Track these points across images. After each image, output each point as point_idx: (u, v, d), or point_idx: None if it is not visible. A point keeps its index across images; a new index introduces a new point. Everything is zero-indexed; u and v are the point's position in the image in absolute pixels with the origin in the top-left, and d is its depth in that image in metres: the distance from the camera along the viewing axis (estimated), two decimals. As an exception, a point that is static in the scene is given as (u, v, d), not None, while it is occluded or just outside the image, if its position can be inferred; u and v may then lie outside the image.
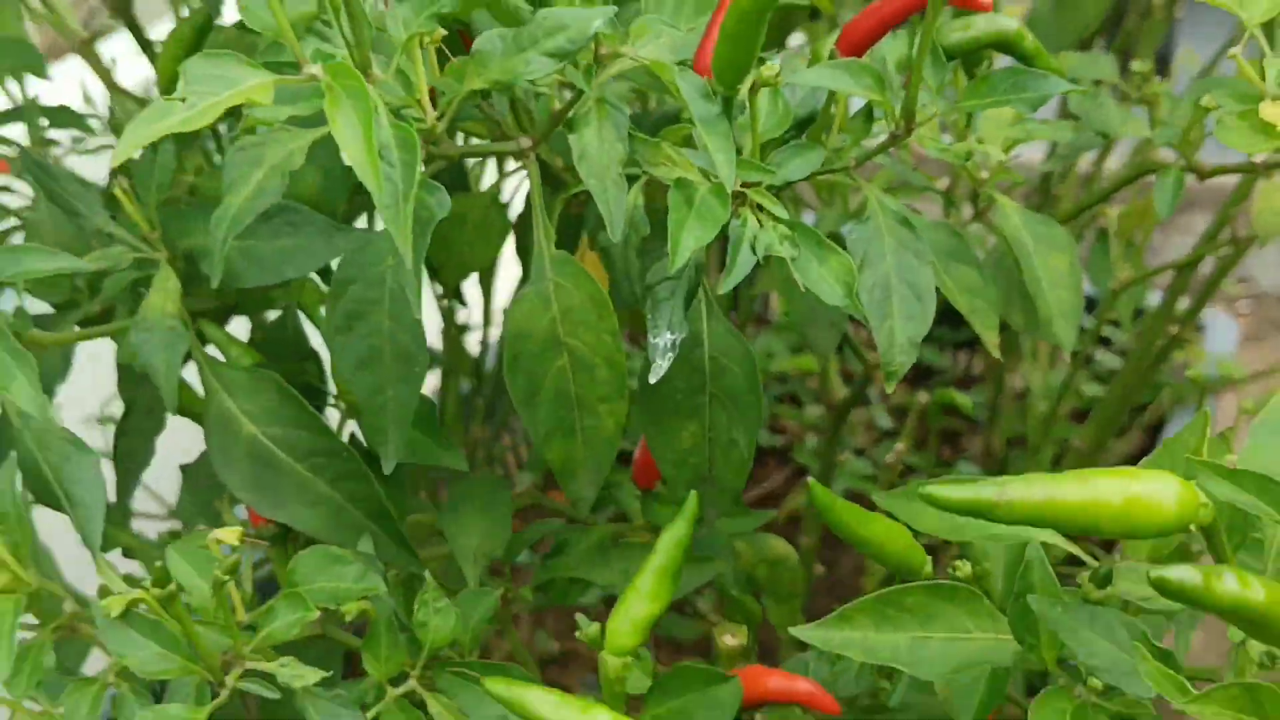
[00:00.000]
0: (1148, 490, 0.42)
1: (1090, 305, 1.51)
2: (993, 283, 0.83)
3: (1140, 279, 1.01)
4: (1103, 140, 0.79)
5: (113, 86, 0.96)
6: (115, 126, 0.87)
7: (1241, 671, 0.49)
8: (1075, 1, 1.19)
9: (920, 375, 1.84)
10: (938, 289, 0.71)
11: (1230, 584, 0.41)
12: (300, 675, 0.57)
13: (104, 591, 0.61)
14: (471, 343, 1.24)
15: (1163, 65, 1.69)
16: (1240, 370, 1.69)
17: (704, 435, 0.68)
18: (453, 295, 0.93)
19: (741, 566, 0.81)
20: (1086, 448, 1.11)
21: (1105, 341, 1.73)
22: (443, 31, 0.56)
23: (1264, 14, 0.62)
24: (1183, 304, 1.14)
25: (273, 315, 0.81)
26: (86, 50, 0.98)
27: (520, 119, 0.69)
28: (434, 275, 0.85)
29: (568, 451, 0.66)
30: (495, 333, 1.17)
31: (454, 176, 0.85)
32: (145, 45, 0.91)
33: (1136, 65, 0.83)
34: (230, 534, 0.56)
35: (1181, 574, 0.40)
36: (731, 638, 0.74)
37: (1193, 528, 0.44)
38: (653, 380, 0.62)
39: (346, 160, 0.49)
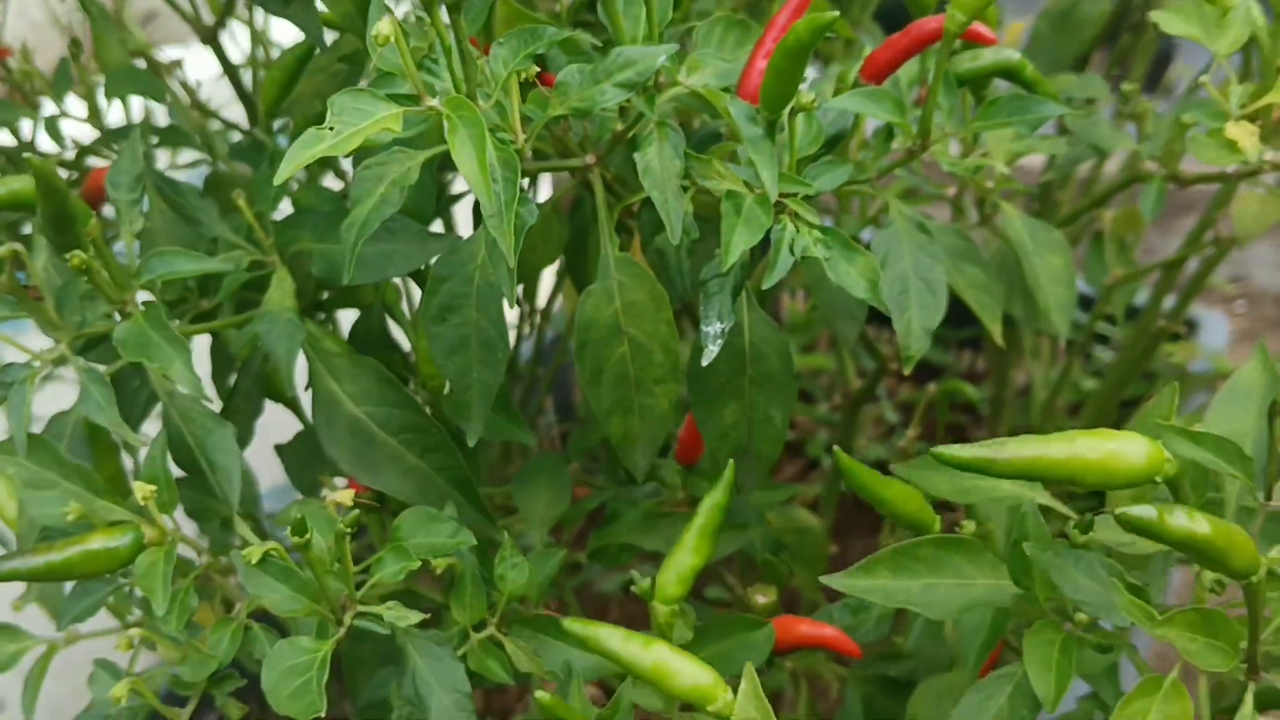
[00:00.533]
0: (1121, 447, 0.52)
1: (1087, 304, 1.60)
2: (998, 280, 0.93)
3: (1132, 277, 1.10)
4: (1096, 153, 0.89)
5: (197, 106, 1.06)
6: (206, 146, 0.97)
7: (1199, 599, 0.58)
8: (1073, 22, 1.29)
9: (927, 372, 1.93)
10: (948, 285, 0.81)
11: (1180, 519, 0.50)
12: (404, 616, 0.67)
13: (222, 551, 0.71)
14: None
15: (1159, 75, 1.78)
16: (1232, 366, 1.78)
17: (744, 413, 0.78)
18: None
19: (772, 534, 0.91)
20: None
21: (1103, 339, 1.82)
22: (536, 69, 0.66)
23: (1230, 46, 0.72)
24: (1178, 303, 1.23)
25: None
26: (168, 72, 1.08)
27: (584, 140, 0.79)
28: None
29: (626, 426, 0.76)
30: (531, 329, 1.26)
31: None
32: (229, 69, 1.01)
33: (1125, 86, 0.92)
34: (346, 495, 0.66)
35: (1140, 511, 0.50)
36: (763, 596, 0.84)
37: (1159, 480, 0.53)
38: (705, 363, 0.72)
39: (465, 177, 0.59)
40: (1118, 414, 1.61)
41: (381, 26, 0.57)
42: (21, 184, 0.66)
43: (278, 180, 0.55)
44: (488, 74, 0.65)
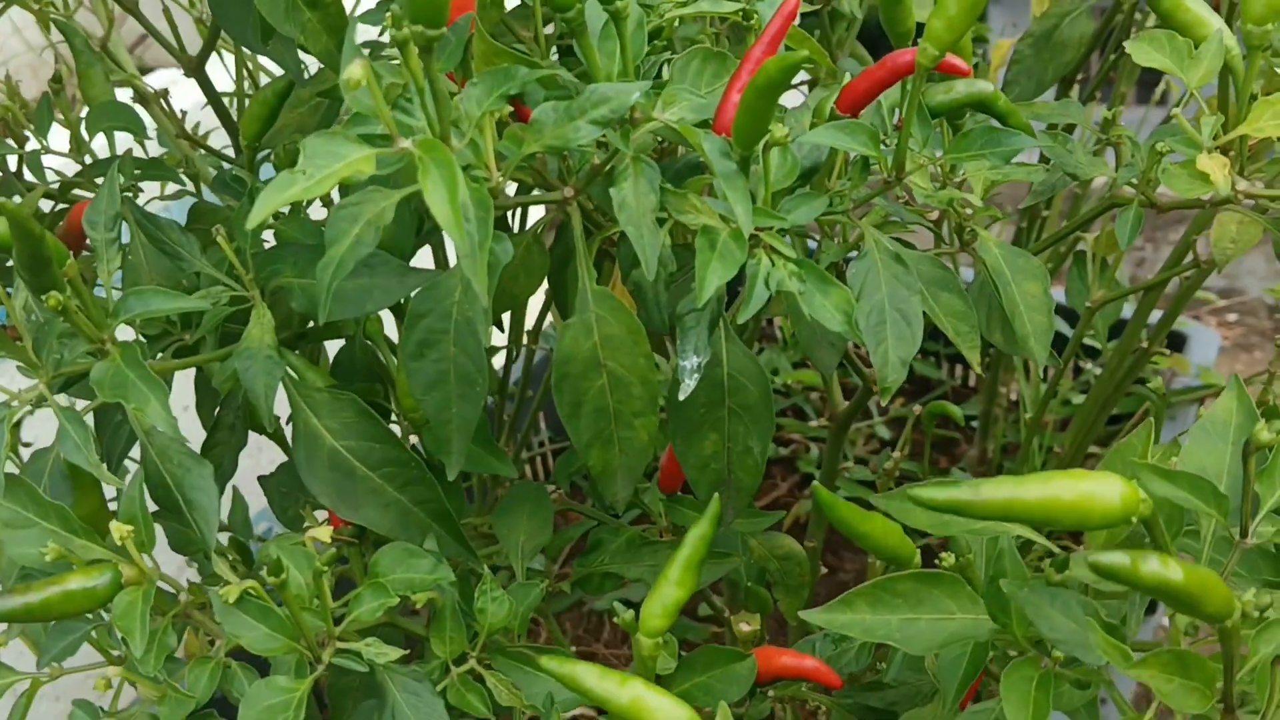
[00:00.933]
0: (1096, 489, 0.52)
1: (1074, 319, 1.61)
2: (978, 307, 0.94)
3: (1113, 298, 1.11)
4: (1073, 180, 0.89)
5: (183, 135, 1.06)
6: (192, 176, 0.97)
7: (1174, 640, 0.59)
8: (1055, 44, 1.30)
9: (917, 388, 1.94)
10: (926, 314, 0.81)
11: (1153, 566, 0.51)
12: (383, 653, 0.67)
13: (212, 581, 0.71)
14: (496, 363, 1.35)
15: (1154, 84, 1.78)
16: (1221, 379, 1.79)
17: (724, 444, 0.78)
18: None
19: (755, 561, 0.91)
20: (1066, 454, 1.21)
21: (1094, 354, 1.83)
22: (509, 108, 0.66)
23: (1202, 79, 0.72)
24: (1159, 326, 1.23)
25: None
26: (155, 102, 1.09)
27: (562, 171, 0.79)
28: (481, 304, 0.95)
29: (606, 459, 0.76)
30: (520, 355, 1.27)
31: (497, 218, 0.95)
32: (215, 100, 1.01)
33: (1104, 112, 0.93)
34: (323, 532, 0.66)
35: (1113, 559, 0.50)
36: (746, 625, 0.84)
37: (1134, 520, 0.53)
38: (682, 398, 0.72)
39: (436, 219, 0.59)
40: (1104, 431, 1.62)
41: (352, 71, 0.58)
42: (-4, 227, 0.66)
43: (249, 225, 0.55)
44: (462, 112, 0.65)
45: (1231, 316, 2.74)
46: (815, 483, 0.68)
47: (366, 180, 0.64)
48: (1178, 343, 1.88)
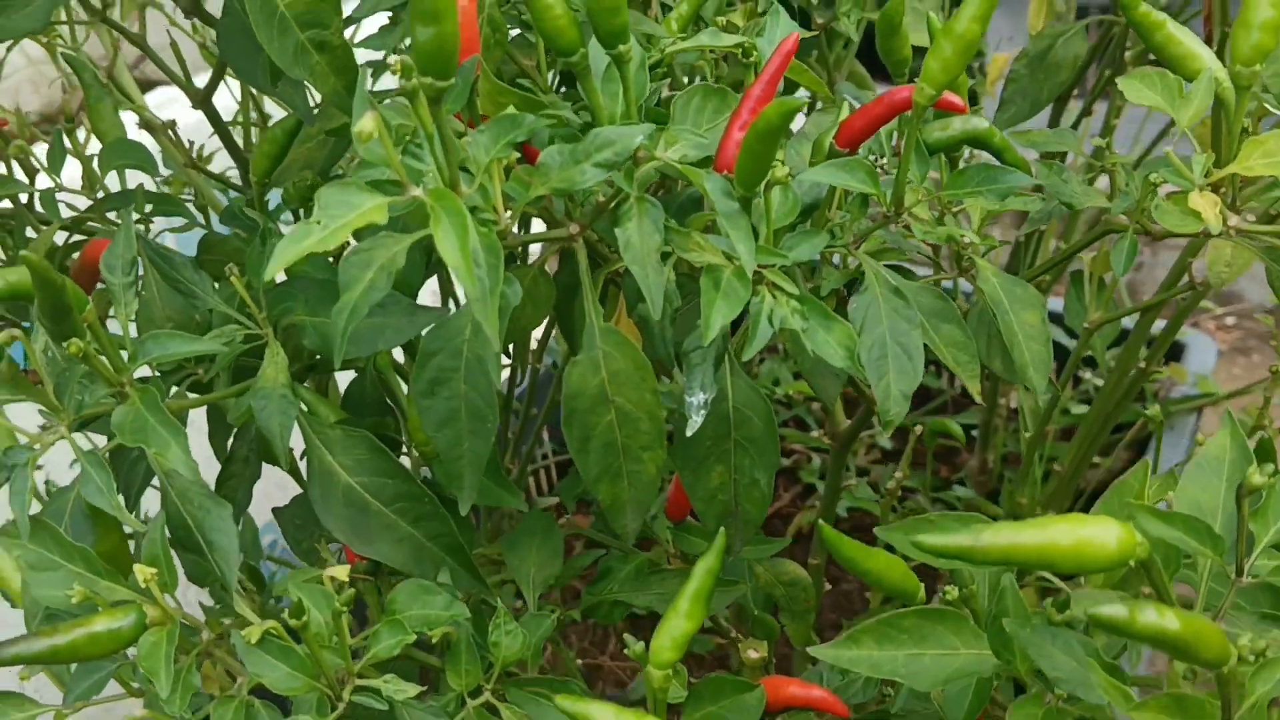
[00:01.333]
0: (1093, 533, 0.54)
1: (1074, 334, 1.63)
2: (978, 334, 0.95)
3: (1110, 319, 1.12)
4: (1068, 209, 0.91)
5: (191, 164, 1.08)
6: (200, 207, 0.99)
7: (1174, 683, 0.60)
8: (1050, 64, 1.31)
9: (918, 397, 1.95)
10: (926, 345, 0.83)
11: (1149, 616, 0.52)
12: (402, 689, 0.68)
13: (227, 612, 0.73)
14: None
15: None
16: (1218, 388, 1.80)
17: (730, 476, 0.80)
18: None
19: (761, 587, 0.93)
20: (1067, 471, 1.22)
21: (1092, 364, 1.84)
22: (516, 155, 0.68)
23: (1193, 117, 0.74)
24: (1155, 347, 1.25)
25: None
26: (163, 131, 1.10)
27: (569, 208, 0.81)
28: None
29: (615, 492, 0.77)
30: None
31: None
32: (224, 133, 1.02)
33: (1096, 140, 0.94)
34: (341, 571, 0.68)
35: (1111, 611, 0.51)
36: (754, 652, 0.86)
37: (1132, 563, 0.55)
38: (689, 434, 0.73)
39: (449, 265, 0.61)
40: (1107, 439, 1.63)
41: (364, 124, 0.59)
42: (18, 276, 0.68)
43: (266, 277, 0.57)
44: (470, 157, 0.66)
45: (1230, 320, 2.76)
46: (820, 522, 0.70)
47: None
48: (1175, 351, 1.90)
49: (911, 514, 1.66)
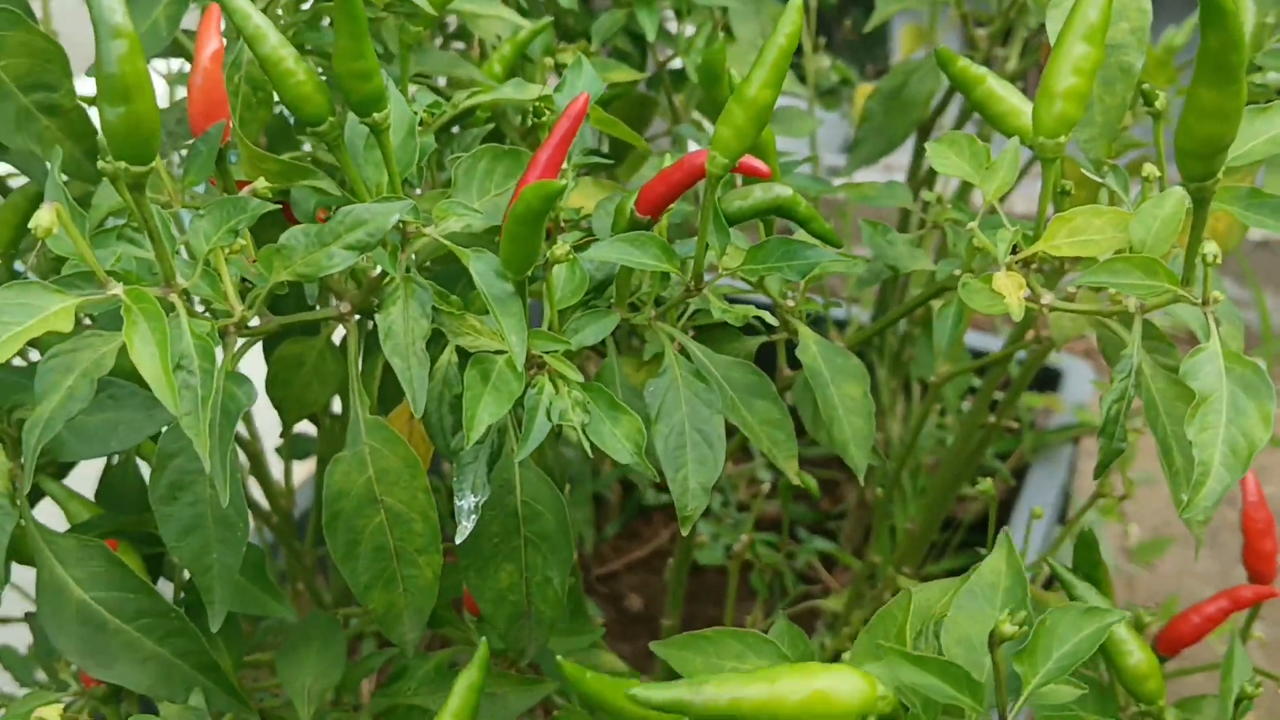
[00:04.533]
0: (829, 685, 0.48)
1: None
2: (804, 404, 0.90)
3: (957, 373, 1.08)
4: (893, 272, 0.86)
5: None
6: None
7: None
8: (903, 101, 1.27)
9: (800, 425, 1.91)
10: (737, 427, 0.77)
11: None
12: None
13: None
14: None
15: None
16: (1095, 416, 1.79)
17: (521, 575, 0.73)
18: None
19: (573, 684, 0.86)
20: (919, 528, 1.18)
21: (971, 391, 1.81)
22: (242, 242, 0.60)
23: (998, 190, 0.69)
24: (1006, 400, 1.21)
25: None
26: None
27: (345, 282, 0.73)
28: (278, 411, 0.89)
29: (390, 600, 0.70)
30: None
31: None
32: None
33: (926, 195, 0.90)
34: (52, 712, 0.59)
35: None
36: (563, 753, 0.79)
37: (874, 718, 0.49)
38: (459, 541, 0.67)
39: (146, 379, 0.53)
40: (973, 477, 1.60)
41: (40, 218, 0.51)
42: None
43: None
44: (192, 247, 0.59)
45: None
46: (559, 659, 0.62)
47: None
48: (1052, 380, 1.88)
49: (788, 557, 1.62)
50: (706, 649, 0.64)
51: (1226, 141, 0.54)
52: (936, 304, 1.18)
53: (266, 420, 1.14)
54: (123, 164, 0.54)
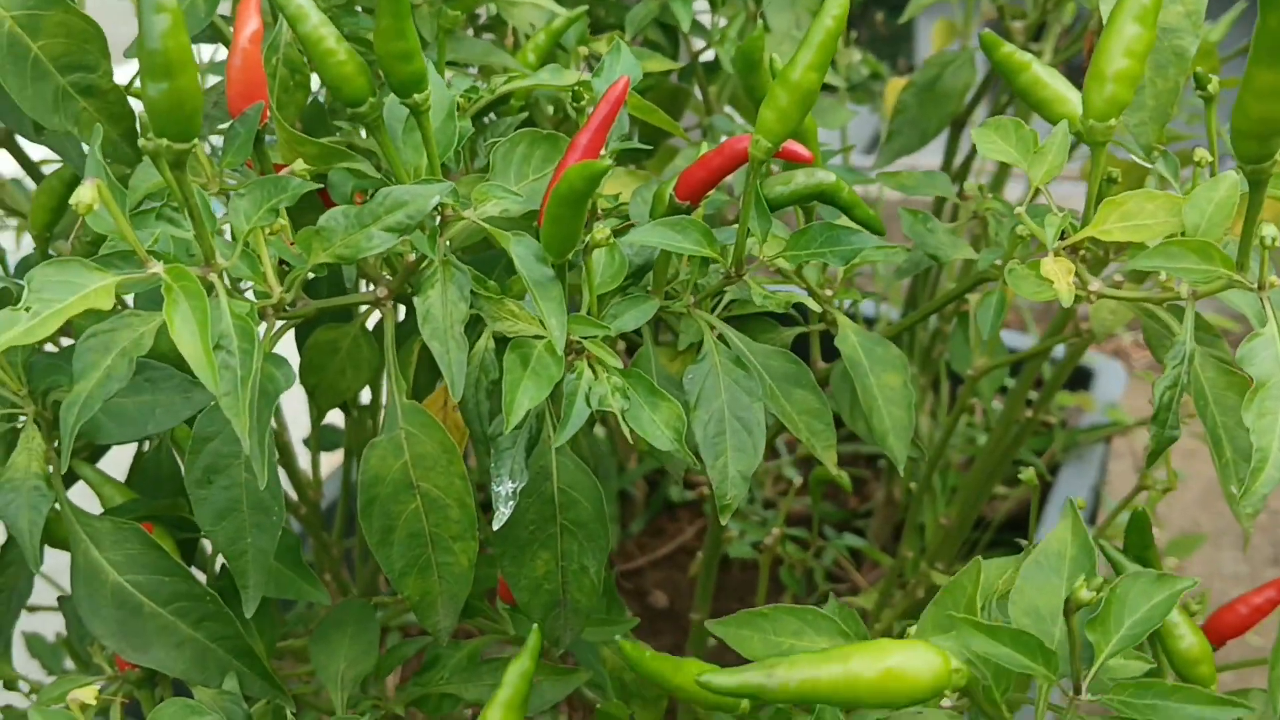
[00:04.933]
0: (903, 662, 0.47)
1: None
2: (841, 394, 0.89)
3: (994, 367, 1.07)
4: (934, 261, 0.85)
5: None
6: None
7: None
8: (938, 94, 1.26)
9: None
10: (776, 415, 0.76)
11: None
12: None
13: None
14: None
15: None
16: (1127, 417, 1.77)
17: (556, 563, 0.72)
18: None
19: (610, 672, 0.85)
20: (953, 524, 1.17)
21: (1003, 390, 1.79)
22: (283, 222, 0.60)
23: (1047, 174, 0.68)
24: (1043, 395, 1.20)
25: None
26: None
27: (381, 267, 0.73)
28: (311, 398, 0.88)
29: (424, 587, 0.70)
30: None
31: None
32: (31, 169, 0.93)
33: (968, 186, 0.88)
34: (88, 693, 0.59)
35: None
36: (592, 745, 0.79)
37: (950, 692, 0.48)
38: (496, 527, 0.66)
39: (186, 358, 0.53)
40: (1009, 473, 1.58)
41: (81, 194, 0.51)
42: None
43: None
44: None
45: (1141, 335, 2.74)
46: (620, 639, 0.62)
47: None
48: (1084, 379, 1.86)
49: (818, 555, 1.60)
50: (764, 626, 0.64)
51: (1287, 122, 0.53)
52: (973, 298, 1.17)
53: (293, 410, 1.13)
54: (164, 141, 0.53)
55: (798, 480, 1.48)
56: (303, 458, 1.26)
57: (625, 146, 0.80)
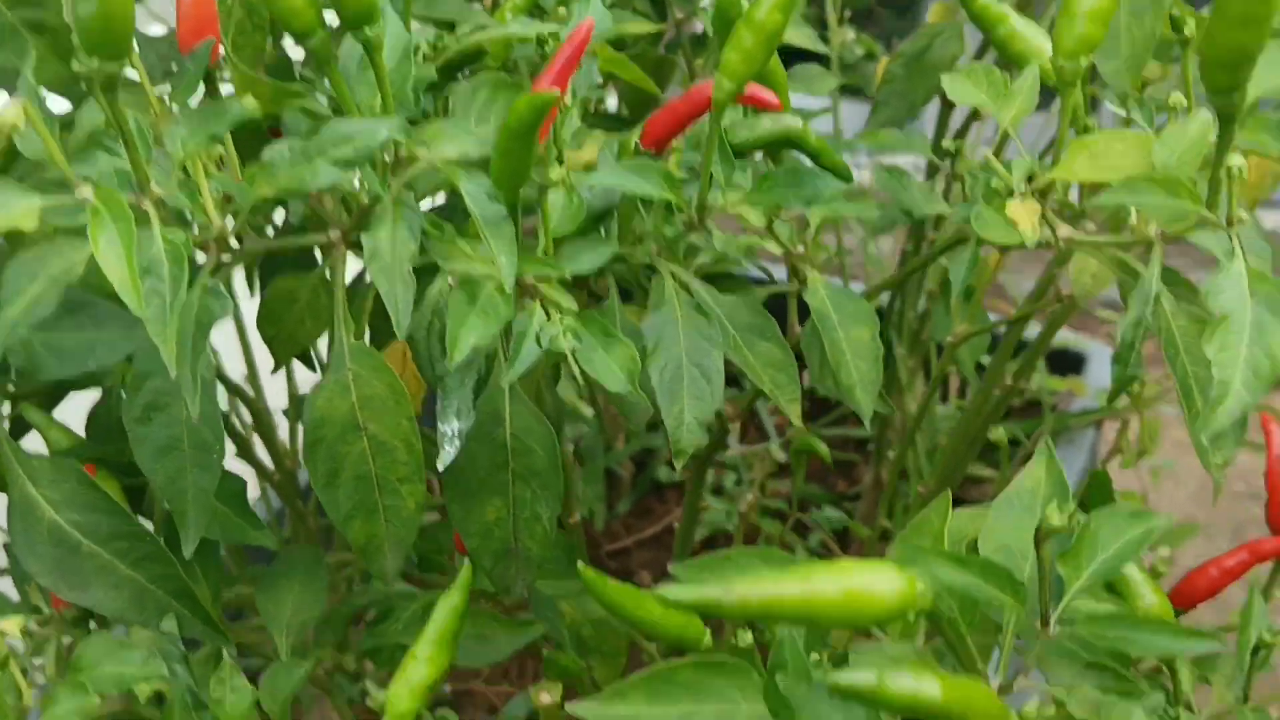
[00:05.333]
0: (866, 582, 0.45)
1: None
2: (812, 350, 0.87)
3: (974, 333, 1.05)
4: (908, 218, 0.83)
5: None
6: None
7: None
8: (927, 65, 1.24)
9: (817, 406, 1.88)
10: (739, 366, 0.75)
11: (904, 682, 0.44)
12: (94, 761, 0.59)
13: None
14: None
15: (1048, 98, 1.74)
16: (1119, 401, 1.74)
17: (508, 510, 0.71)
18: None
19: (568, 626, 0.84)
20: (930, 493, 1.15)
21: (981, 369, 1.77)
22: (220, 150, 0.58)
23: (1015, 116, 0.66)
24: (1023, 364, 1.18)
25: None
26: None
27: (336, 208, 0.71)
28: (269, 347, 0.87)
29: (371, 530, 0.68)
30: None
31: (300, 255, 0.87)
32: None
33: (945, 143, 0.87)
34: (11, 624, 0.58)
35: (854, 678, 0.43)
36: (547, 695, 0.77)
37: (914, 615, 0.47)
38: (441, 467, 0.64)
39: (110, 281, 0.51)
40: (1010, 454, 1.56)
41: (6, 113, 0.49)
42: None
43: None
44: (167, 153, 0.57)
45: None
46: (580, 564, 0.60)
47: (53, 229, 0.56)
48: (1076, 363, 1.84)
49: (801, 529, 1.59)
50: (728, 570, 0.62)
51: (1254, 51, 0.51)
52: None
53: (273, 384, 1.12)
54: (95, 62, 0.52)
55: (780, 454, 1.46)
56: (282, 429, 1.25)
57: (595, 97, 0.78)
